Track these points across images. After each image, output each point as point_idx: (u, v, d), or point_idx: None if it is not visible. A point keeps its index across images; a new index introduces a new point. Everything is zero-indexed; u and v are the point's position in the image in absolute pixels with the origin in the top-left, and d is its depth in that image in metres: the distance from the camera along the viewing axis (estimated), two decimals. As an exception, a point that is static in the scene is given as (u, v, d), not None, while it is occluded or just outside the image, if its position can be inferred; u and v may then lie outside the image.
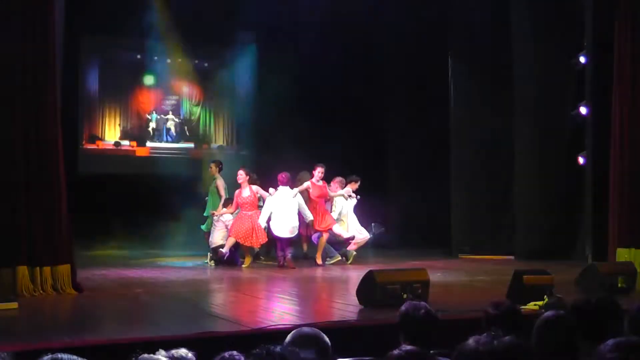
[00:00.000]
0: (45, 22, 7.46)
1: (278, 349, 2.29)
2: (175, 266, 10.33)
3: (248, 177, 10.48)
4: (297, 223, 10.37)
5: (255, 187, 10.51)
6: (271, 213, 10.27)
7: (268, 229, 10.44)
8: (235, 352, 2.60)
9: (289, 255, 10.28)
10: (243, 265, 10.56)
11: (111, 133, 14.63)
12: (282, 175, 10.40)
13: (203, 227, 11.16)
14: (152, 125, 14.95)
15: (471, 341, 2.28)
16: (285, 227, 10.31)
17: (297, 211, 10.38)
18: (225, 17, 13.61)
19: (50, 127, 7.45)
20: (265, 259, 11.30)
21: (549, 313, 3.24)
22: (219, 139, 15.50)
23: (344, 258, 10.77)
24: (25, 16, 7.34)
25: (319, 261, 10.68)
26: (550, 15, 11.63)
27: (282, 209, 10.31)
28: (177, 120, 15.14)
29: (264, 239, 10.47)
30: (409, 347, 2.69)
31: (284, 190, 10.40)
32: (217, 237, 10.50)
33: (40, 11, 7.43)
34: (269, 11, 13.28)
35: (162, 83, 14.96)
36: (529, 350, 2.39)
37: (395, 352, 2.66)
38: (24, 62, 7.33)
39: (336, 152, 11.99)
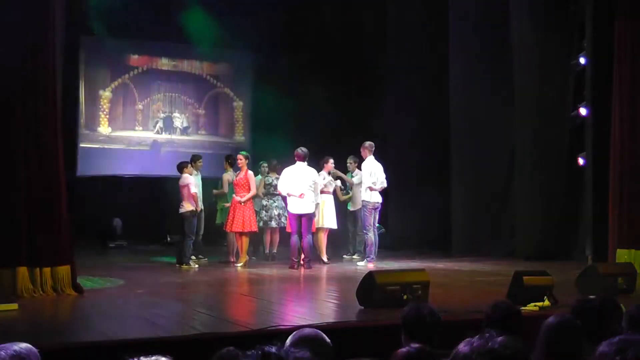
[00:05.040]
0: (46, 21, 7.46)
1: (273, 349, 2.29)
2: (176, 266, 10.32)
3: (247, 161, 10.85)
4: (313, 198, 10.36)
5: (250, 172, 10.88)
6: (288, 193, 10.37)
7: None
8: (232, 348, 2.60)
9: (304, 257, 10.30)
10: (238, 264, 10.59)
11: (111, 133, 14.61)
12: (299, 151, 10.43)
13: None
14: (154, 124, 14.93)
15: (466, 342, 2.29)
16: (301, 203, 10.27)
17: (311, 188, 10.33)
18: (225, 18, 13.63)
19: (50, 127, 7.45)
20: (257, 258, 11.35)
21: (554, 317, 3.24)
22: (220, 135, 15.51)
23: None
24: (25, 16, 7.34)
25: (325, 258, 10.94)
26: (550, 15, 11.64)
27: (297, 185, 10.29)
28: (179, 119, 15.13)
29: (239, 228, 10.60)
30: (416, 345, 2.69)
31: (300, 165, 10.41)
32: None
33: (40, 10, 7.43)
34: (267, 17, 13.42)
35: (163, 82, 14.97)
36: (523, 350, 2.39)
37: (403, 350, 2.67)
38: (24, 61, 7.33)
39: (336, 152, 11.98)
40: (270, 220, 11.26)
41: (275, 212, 11.27)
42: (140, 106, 14.84)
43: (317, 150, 11.52)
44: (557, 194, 11.74)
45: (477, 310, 5.61)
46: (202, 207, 11.14)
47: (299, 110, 14.12)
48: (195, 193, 10.60)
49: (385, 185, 10.80)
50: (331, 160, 11.40)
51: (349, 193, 11.78)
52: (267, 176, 11.48)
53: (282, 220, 11.20)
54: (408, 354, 2.63)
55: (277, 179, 10.99)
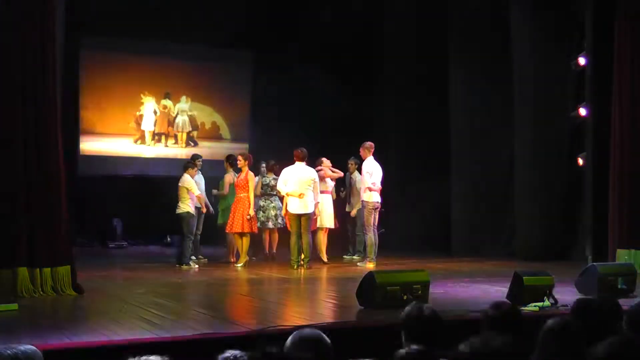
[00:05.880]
0: (45, 21, 7.46)
1: (275, 349, 2.29)
2: (176, 267, 10.32)
3: (247, 162, 10.88)
4: (312, 198, 10.38)
5: (250, 173, 10.90)
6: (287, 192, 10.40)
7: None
8: (238, 352, 2.60)
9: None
10: (238, 265, 10.59)
11: (112, 133, 14.61)
12: (299, 151, 10.44)
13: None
14: (153, 124, 14.93)
15: (467, 342, 2.30)
16: (300, 202, 10.29)
17: (311, 188, 10.36)
18: (225, 17, 13.65)
19: (50, 128, 7.45)
20: (256, 259, 11.36)
21: (555, 320, 3.23)
22: (218, 135, 15.50)
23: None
24: (25, 16, 7.34)
25: (324, 258, 10.97)
26: (550, 15, 11.64)
27: (296, 184, 10.30)
28: (180, 119, 15.13)
29: (239, 229, 10.61)
30: (416, 347, 2.69)
31: (299, 165, 10.42)
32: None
33: (40, 11, 7.43)
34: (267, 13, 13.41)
35: (163, 82, 14.96)
36: (523, 350, 2.40)
37: (404, 350, 2.67)
38: (24, 62, 7.33)
39: (336, 152, 11.99)
40: (268, 221, 11.23)
41: (273, 212, 11.26)
42: (140, 106, 14.82)
43: (317, 151, 11.52)
44: (557, 194, 11.74)
45: (477, 310, 5.62)
46: (201, 207, 11.13)
47: (299, 110, 14.13)
48: (200, 195, 10.63)
49: (380, 187, 10.77)
50: (324, 159, 11.40)
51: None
52: (264, 177, 11.47)
53: (280, 220, 11.20)
54: (408, 354, 2.63)
55: (275, 179, 10.99)
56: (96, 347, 4.96)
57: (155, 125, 14.93)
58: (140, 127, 14.83)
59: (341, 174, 11.56)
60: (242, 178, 10.81)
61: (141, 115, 14.82)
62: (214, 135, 15.47)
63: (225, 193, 11.25)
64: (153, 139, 14.92)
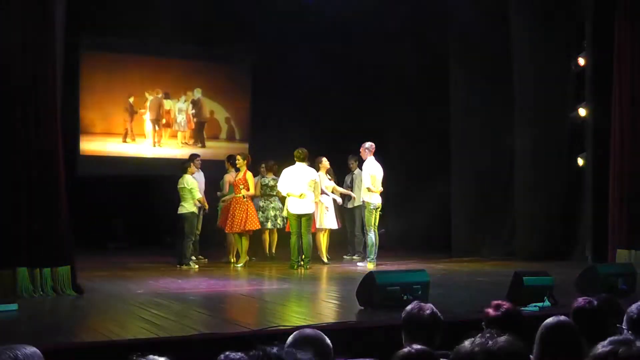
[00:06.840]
0: (46, 21, 7.46)
1: (275, 349, 2.29)
2: (176, 267, 10.32)
3: (246, 162, 10.87)
4: (312, 198, 10.38)
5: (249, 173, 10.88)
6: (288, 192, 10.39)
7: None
8: (233, 353, 2.60)
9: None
10: (238, 265, 10.59)
11: (111, 133, 14.59)
12: (299, 151, 10.44)
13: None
14: (154, 124, 14.91)
15: (467, 342, 2.30)
16: (300, 203, 10.30)
17: (311, 188, 10.35)
18: (225, 18, 13.65)
19: (50, 128, 7.45)
20: (256, 258, 11.36)
21: (553, 319, 3.24)
22: (218, 136, 15.49)
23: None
24: (25, 15, 7.35)
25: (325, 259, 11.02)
26: (550, 15, 11.64)
27: (296, 185, 10.30)
28: (179, 119, 15.11)
29: (239, 228, 10.58)
30: (417, 346, 2.69)
31: (299, 166, 10.42)
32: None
33: (40, 11, 7.43)
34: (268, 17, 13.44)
35: (163, 82, 14.95)
36: (524, 350, 2.40)
37: (404, 350, 2.67)
38: (24, 61, 7.33)
39: (336, 153, 11.99)
40: (267, 222, 11.24)
41: (272, 212, 11.26)
42: (140, 106, 14.81)
43: (317, 151, 11.52)
44: (557, 194, 11.73)
45: (477, 310, 5.61)
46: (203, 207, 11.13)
47: (300, 110, 14.12)
48: (202, 198, 10.64)
49: (381, 189, 10.75)
50: (324, 159, 11.39)
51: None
52: (263, 177, 11.46)
53: (278, 221, 11.20)
54: (408, 354, 2.63)
55: (274, 179, 11.00)
56: (96, 347, 4.96)
57: (155, 127, 14.90)
58: (141, 128, 14.79)
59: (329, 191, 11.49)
60: (240, 178, 10.81)
61: (141, 118, 14.78)
62: (213, 135, 15.46)
63: (226, 193, 11.26)
64: (155, 138, 14.88)
